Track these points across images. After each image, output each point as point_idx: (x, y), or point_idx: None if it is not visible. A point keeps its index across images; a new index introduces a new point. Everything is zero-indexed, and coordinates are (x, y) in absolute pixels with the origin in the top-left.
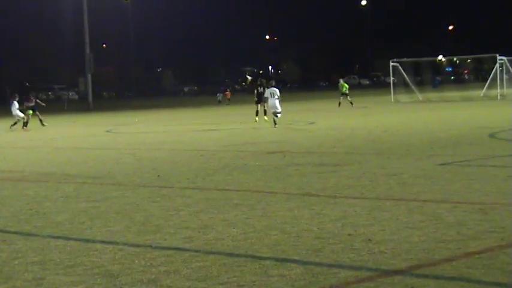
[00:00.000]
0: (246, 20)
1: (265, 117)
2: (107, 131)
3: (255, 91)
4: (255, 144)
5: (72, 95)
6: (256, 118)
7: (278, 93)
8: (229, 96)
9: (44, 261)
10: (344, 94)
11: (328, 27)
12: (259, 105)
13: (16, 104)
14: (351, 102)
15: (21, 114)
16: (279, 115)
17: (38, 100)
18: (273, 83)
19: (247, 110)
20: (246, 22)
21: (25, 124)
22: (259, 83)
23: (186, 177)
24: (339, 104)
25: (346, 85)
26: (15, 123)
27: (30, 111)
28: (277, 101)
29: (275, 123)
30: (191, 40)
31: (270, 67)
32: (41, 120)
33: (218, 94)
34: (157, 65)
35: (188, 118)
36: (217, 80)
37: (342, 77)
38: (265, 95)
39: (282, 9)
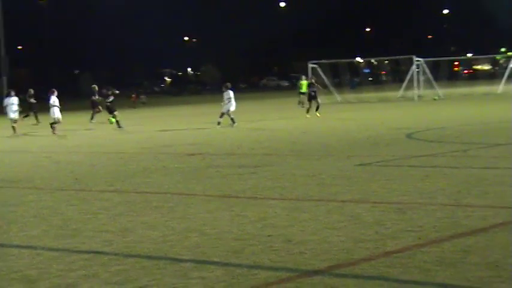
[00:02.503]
0: (164, 20)
1: (318, 113)
2: (23, 134)
3: (309, 90)
4: (174, 147)
5: None
6: (308, 115)
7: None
8: (134, 100)
9: None
10: (304, 93)
11: (247, 28)
12: (312, 101)
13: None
14: (302, 103)
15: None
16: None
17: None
18: (230, 86)
19: (166, 112)
20: (165, 23)
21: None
22: (312, 81)
23: (104, 180)
24: (301, 103)
25: (306, 84)
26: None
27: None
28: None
29: (234, 122)
30: (109, 41)
31: (189, 69)
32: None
33: (141, 96)
34: (74, 67)
35: (106, 121)
36: (135, 82)
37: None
38: (228, 96)
39: (200, 10)
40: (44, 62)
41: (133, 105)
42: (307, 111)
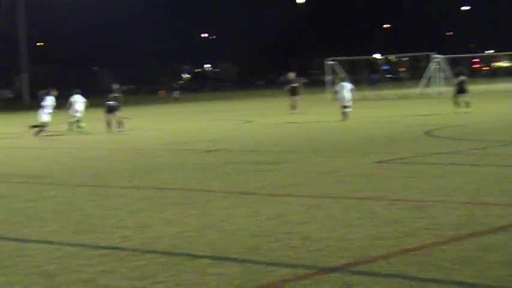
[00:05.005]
0: (183, 17)
1: (467, 109)
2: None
3: (458, 81)
4: (192, 143)
5: (11, 93)
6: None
7: (349, 87)
8: (164, 95)
9: None
10: None
11: (266, 25)
12: (463, 94)
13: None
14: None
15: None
16: (349, 109)
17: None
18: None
19: (187, 108)
20: (183, 20)
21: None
22: (463, 72)
23: (123, 176)
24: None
25: None
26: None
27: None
28: (348, 95)
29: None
30: (128, 38)
31: (207, 65)
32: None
33: (174, 92)
34: (93, 64)
35: (126, 117)
36: (155, 79)
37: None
38: (337, 89)
39: (219, 6)
40: (64, 58)
41: (164, 101)
42: (467, 105)
